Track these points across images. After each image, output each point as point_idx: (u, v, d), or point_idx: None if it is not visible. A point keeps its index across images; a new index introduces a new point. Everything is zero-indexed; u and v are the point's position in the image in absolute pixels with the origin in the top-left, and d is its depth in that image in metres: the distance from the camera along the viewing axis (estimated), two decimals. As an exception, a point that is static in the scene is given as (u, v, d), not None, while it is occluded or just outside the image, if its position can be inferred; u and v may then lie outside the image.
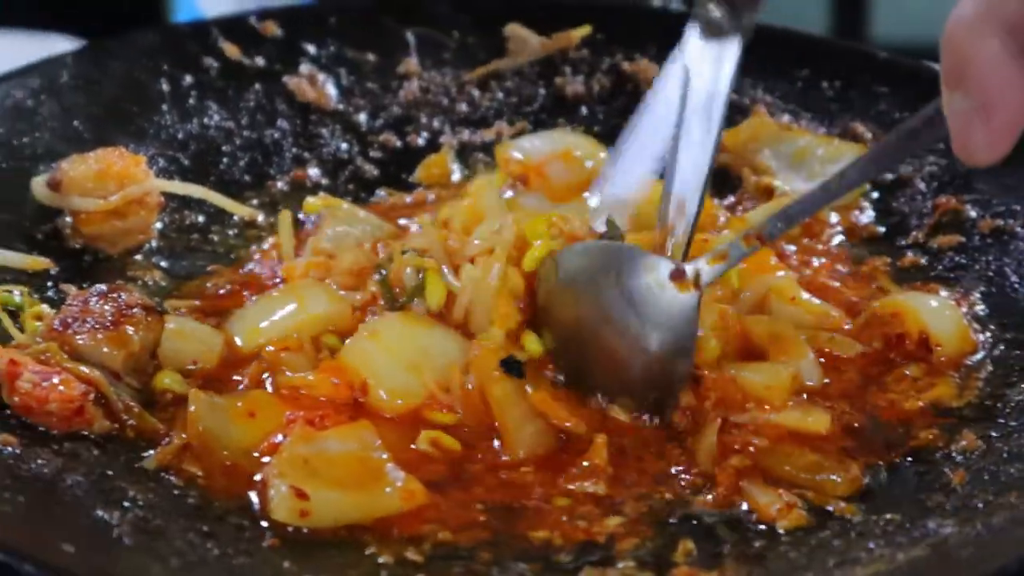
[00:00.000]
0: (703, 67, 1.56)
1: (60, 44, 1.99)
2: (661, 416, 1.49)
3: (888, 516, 1.38)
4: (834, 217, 1.83)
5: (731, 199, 1.91)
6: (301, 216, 1.80)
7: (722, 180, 1.90)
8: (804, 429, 1.49)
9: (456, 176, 1.93)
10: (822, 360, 1.59)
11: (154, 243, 1.77)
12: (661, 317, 1.47)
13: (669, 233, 1.53)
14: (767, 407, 1.50)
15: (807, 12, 4.06)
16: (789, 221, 1.50)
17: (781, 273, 1.67)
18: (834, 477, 1.43)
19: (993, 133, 1.12)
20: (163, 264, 1.75)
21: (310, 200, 1.79)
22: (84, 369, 1.47)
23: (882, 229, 1.83)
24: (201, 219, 1.83)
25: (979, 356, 1.60)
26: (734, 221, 1.72)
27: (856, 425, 1.51)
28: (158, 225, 1.78)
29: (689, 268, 1.48)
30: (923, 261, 1.76)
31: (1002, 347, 1.61)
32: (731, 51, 1.57)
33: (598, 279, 1.49)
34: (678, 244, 1.51)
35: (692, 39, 1.59)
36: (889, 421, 1.52)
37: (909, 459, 1.47)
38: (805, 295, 1.64)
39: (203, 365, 1.57)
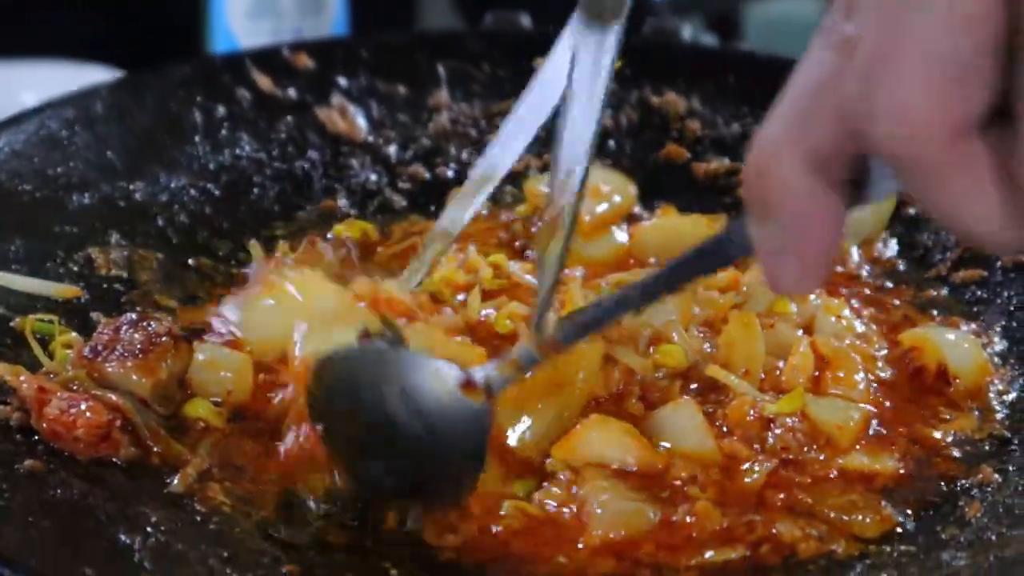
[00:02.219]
0: (587, 49, 1.54)
1: (99, 75, 2.02)
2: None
3: (902, 547, 1.38)
4: (856, 251, 1.84)
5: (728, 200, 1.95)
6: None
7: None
8: (871, 472, 1.49)
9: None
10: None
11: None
12: (451, 427, 1.39)
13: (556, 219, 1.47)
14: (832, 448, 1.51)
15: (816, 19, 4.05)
16: (584, 329, 1.40)
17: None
18: (865, 518, 1.43)
19: (805, 266, 1.04)
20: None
21: (338, 226, 1.82)
22: (112, 396, 1.49)
23: (905, 262, 1.83)
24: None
25: (998, 390, 1.60)
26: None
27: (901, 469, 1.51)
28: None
29: (479, 376, 1.41)
30: (945, 295, 1.77)
31: (1021, 381, 1.61)
32: (614, 34, 1.53)
33: (382, 389, 1.41)
34: (541, 301, 1.44)
35: (576, 21, 1.55)
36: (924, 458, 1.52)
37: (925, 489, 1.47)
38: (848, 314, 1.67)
39: (236, 396, 1.59)
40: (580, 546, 1.39)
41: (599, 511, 1.41)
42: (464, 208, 1.71)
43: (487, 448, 1.41)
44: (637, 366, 1.54)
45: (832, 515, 1.43)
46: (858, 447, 1.51)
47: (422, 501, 1.44)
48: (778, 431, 1.49)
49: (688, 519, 1.42)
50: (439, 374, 1.41)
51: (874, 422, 1.54)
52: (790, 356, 1.57)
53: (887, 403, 1.58)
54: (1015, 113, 0.94)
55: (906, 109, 0.94)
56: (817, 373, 1.58)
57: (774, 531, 1.40)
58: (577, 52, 1.53)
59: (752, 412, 1.50)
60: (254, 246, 1.79)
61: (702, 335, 1.60)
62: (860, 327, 1.66)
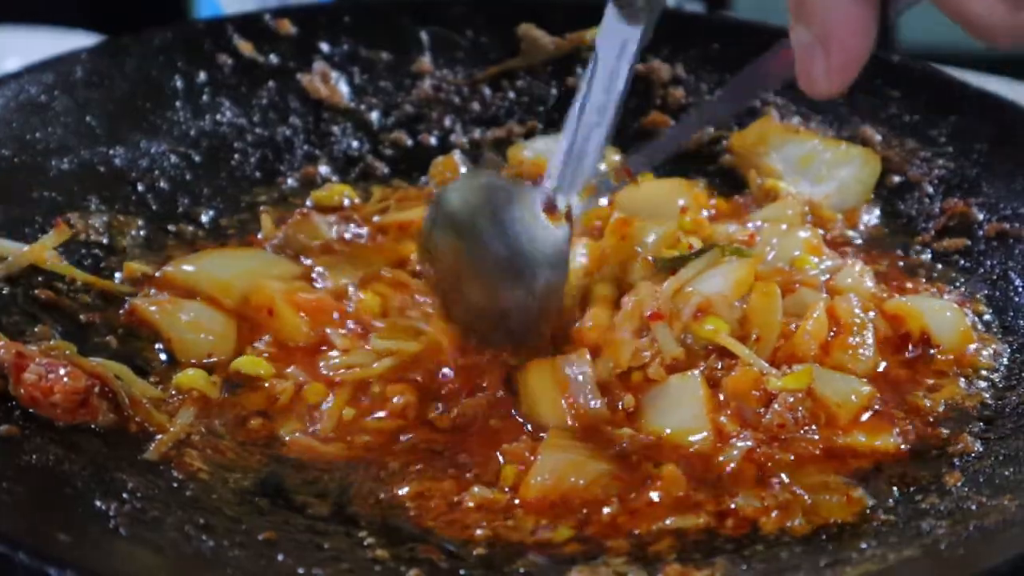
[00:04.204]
0: (611, 46, 1.57)
1: (82, 41, 2.00)
2: (523, 347, 1.52)
3: (882, 517, 1.38)
4: (840, 219, 1.84)
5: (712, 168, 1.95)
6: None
7: (729, 182, 1.91)
8: (874, 450, 1.48)
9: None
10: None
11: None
12: (534, 248, 1.48)
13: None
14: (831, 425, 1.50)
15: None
16: (653, 155, 1.53)
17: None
18: (832, 499, 1.42)
19: (832, 67, 1.17)
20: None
21: (318, 192, 1.82)
22: (93, 362, 1.49)
23: (889, 231, 1.83)
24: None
25: (981, 359, 1.60)
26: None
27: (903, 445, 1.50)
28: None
29: (561, 200, 1.49)
30: (929, 263, 1.77)
31: (1004, 350, 1.61)
32: (638, 32, 1.57)
33: (475, 214, 1.50)
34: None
35: (608, 19, 1.59)
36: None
37: (905, 459, 1.47)
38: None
39: (219, 357, 1.59)
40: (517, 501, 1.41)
41: (540, 459, 1.42)
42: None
43: (567, 271, 1.51)
44: (670, 351, 1.53)
45: (800, 492, 1.42)
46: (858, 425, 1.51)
47: (511, 328, 1.52)
48: (777, 407, 1.48)
49: (655, 483, 1.42)
50: (524, 198, 1.50)
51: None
52: (804, 320, 1.56)
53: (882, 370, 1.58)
54: None
55: None
56: (832, 334, 1.57)
57: (732, 505, 1.40)
58: (600, 46, 1.58)
59: (757, 386, 1.50)
60: (265, 215, 1.79)
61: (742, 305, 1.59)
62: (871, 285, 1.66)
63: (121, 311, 1.64)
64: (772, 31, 1.89)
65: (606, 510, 1.39)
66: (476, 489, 1.42)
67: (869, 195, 1.87)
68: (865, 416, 1.51)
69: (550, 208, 1.49)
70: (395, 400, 1.52)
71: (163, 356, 1.60)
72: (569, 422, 1.49)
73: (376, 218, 1.82)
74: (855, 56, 1.17)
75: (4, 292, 1.60)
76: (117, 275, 1.70)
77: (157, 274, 1.68)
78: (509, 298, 1.49)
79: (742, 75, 1.35)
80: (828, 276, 1.65)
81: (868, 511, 1.39)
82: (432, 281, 1.55)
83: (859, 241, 1.81)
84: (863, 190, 1.87)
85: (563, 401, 1.49)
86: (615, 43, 1.57)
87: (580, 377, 1.50)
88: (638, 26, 1.56)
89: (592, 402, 1.49)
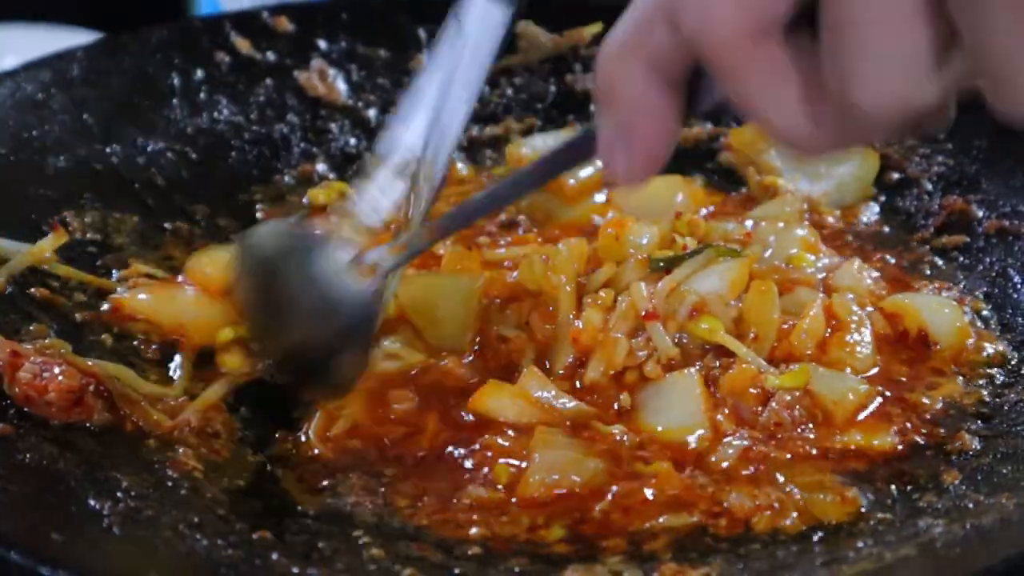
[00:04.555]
0: (474, 29, 1.56)
1: (80, 39, 2.00)
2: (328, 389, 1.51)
3: (879, 515, 1.37)
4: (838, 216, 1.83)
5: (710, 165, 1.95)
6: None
7: (727, 179, 1.90)
8: (871, 449, 1.47)
9: (463, 171, 1.93)
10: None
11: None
12: (340, 303, 1.44)
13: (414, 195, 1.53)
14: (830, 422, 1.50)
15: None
16: (466, 219, 1.47)
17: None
18: (826, 498, 1.41)
19: (633, 156, 1.12)
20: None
21: (314, 190, 1.82)
22: (88, 362, 1.49)
23: (887, 228, 1.82)
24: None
25: (979, 356, 1.59)
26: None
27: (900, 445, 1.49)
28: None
29: (370, 256, 1.45)
30: (927, 260, 1.76)
31: (1003, 347, 1.60)
32: (503, 16, 1.56)
33: (282, 263, 1.46)
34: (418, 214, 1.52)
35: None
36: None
37: (902, 457, 1.46)
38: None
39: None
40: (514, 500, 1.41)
41: (537, 457, 1.42)
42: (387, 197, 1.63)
43: (374, 329, 1.48)
44: (666, 350, 1.53)
45: (793, 492, 1.41)
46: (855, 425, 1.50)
47: (314, 382, 1.49)
48: (774, 405, 1.48)
49: (650, 481, 1.42)
50: (332, 252, 1.45)
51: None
52: (801, 318, 1.55)
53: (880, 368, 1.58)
54: (821, 22, 0.99)
55: (709, 6, 1.00)
56: (829, 332, 1.57)
57: (725, 504, 1.39)
58: (469, 23, 1.56)
59: (754, 384, 1.49)
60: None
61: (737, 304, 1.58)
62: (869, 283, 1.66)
63: (104, 306, 1.63)
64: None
65: (599, 507, 1.39)
66: (471, 488, 1.41)
67: (868, 192, 1.86)
68: (863, 415, 1.51)
69: (357, 263, 1.44)
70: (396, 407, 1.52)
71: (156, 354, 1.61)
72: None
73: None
74: (655, 152, 1.12)
75: (-2, 291, 1.60)
76: (114, 273, 1.70)
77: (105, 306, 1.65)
78: (311, 347, 1.46)
79: (549, 156, 1.30)
80: (825, 274, 1.65)
81: (863, 510, 1.39)
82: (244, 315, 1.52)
83: (858, 238, 1.80)
84: (862, 187, 1.87)
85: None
86: (486, 22, 1.56)
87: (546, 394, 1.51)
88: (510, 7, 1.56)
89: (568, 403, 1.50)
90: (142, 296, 1.63)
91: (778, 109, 1.03)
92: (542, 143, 1.88)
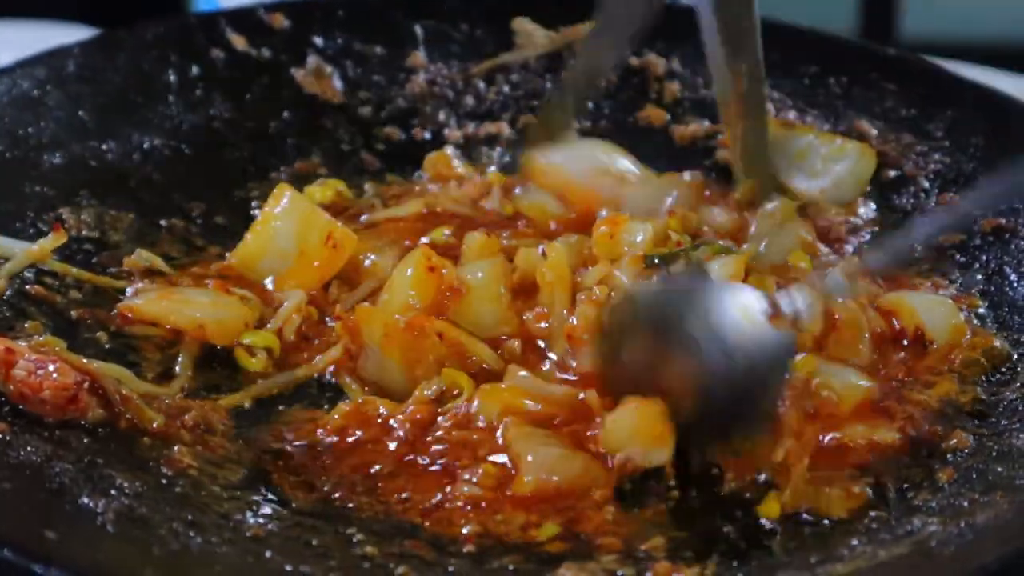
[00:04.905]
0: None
1: (76, 35, 2.00)
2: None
3: (873, 513, 1.37)
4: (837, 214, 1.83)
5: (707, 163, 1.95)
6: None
7: (724, 177, 1.90)
8: (872, 443, 1.47)
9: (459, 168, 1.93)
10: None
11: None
12: (755, 356, 1.42)
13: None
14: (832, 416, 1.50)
15: (835, 11, 4.04)
16: (895, 256, 1.51)
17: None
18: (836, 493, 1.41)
19: None
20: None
21: (311, 187, 1.82)
22: (84, 359, 1.49)
23: (884, 226, 1.82)
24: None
25: (975, 354, 1.59)
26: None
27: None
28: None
29: (785, 303, 1.44)
30: (925, 258, 1.76)
31: (999, 345, 1.60)
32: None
33: (686, 318, 1.43)
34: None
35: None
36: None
37: (897, 455, 1.46)
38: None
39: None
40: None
41: (530, 457, 1.42)
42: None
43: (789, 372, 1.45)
44: None
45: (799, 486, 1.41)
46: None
47: (723, 432, 1.45)
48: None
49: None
50: (746, 304, 1.44)
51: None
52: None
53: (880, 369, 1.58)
54: None
55: None
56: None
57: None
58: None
59: None
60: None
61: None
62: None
63: (113, 311, 1.62)
64: (767, 25, 1.88)
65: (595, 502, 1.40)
66: (466, 489, 1.41)
67: (864, 189, 1.86)
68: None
69: (775, 316, 1.43)
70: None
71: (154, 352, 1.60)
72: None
73: (364, 217, 1.82)
74: None
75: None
76: (110, 270, 1.70)
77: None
78: (719, 402, 1.42)
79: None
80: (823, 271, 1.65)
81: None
82: (610, 375, 1.48)
83: (855, 235, 1.80)
84: (859, 185, 1.86)
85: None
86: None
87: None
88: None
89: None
90: (155, 300, 1.62)
91: None
92: (562, 159, 1.86)
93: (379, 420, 1.49)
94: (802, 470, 1.41)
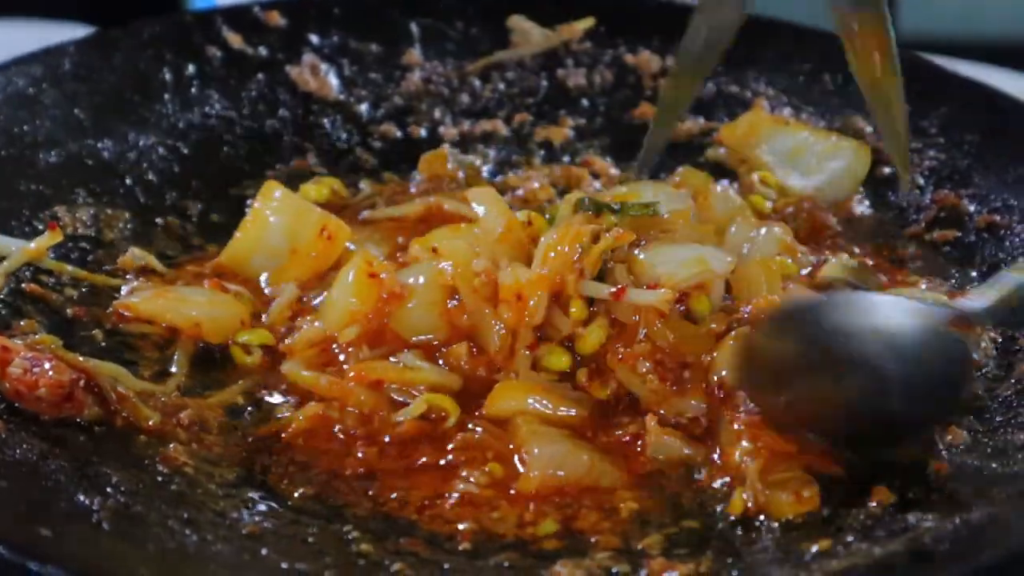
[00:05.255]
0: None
1: (73, 34, 2.00)
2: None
3: (869, 508, 1.37)
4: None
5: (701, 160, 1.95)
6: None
7: (718, 175, 1.90)
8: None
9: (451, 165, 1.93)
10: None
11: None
12: (934, 362, 1.40)
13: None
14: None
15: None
16: None
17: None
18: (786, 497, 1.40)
19: None
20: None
21: (306, 185, 1.83)
22: (80, 358, 1.49)
23: (879, 222, 1.82)
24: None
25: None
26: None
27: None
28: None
29: (967, 309, 1.42)
30: (919, 255, 1.76)
31: (993, 342, 1.60)
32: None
33: (860, 333, 1.41)
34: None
35: None
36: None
37: (893, 451, 1.46)
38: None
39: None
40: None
41: (536, 451, 1.43)
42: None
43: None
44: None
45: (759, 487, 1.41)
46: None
47: (897, 440, 1.44)
48: None
49: None
50: (922, 313, 1.41)
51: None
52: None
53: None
54: None
55: None
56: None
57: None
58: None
59: None
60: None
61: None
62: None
63: (109, 310, 1.63)
64: (764, 23, 1.88)
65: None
66: (462, 486, 1.41)
67: (858, 188, 1.86)
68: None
69: (957, 320, 1.41)
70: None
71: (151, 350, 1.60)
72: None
73: (364, 213, 1.81)
74: None
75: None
76: (105, 268, 1.70)
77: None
78: (896, 417, 1.41)
79: None
80: (811, 269, 1.65)
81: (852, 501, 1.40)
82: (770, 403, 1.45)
83: (850, 232, 1.80)
84: (853, 182, 1.86)
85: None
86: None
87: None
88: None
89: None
90: (151, 299, 1.63)
91: None
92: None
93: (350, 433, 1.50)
94: (755, 472, 1.41)
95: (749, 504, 1.39)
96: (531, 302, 1.50)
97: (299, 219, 1.68)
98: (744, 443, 1.43)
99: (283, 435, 1.48)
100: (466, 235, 1.59)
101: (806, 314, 1.45)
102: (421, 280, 1.56)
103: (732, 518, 1.39)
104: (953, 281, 1.70)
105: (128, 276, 1.69)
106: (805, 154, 1.85)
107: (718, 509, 1.40)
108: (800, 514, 1.38)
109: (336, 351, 1.55)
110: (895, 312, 1.42)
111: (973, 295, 1.43)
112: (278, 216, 1.68)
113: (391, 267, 1.58)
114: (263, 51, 2.00)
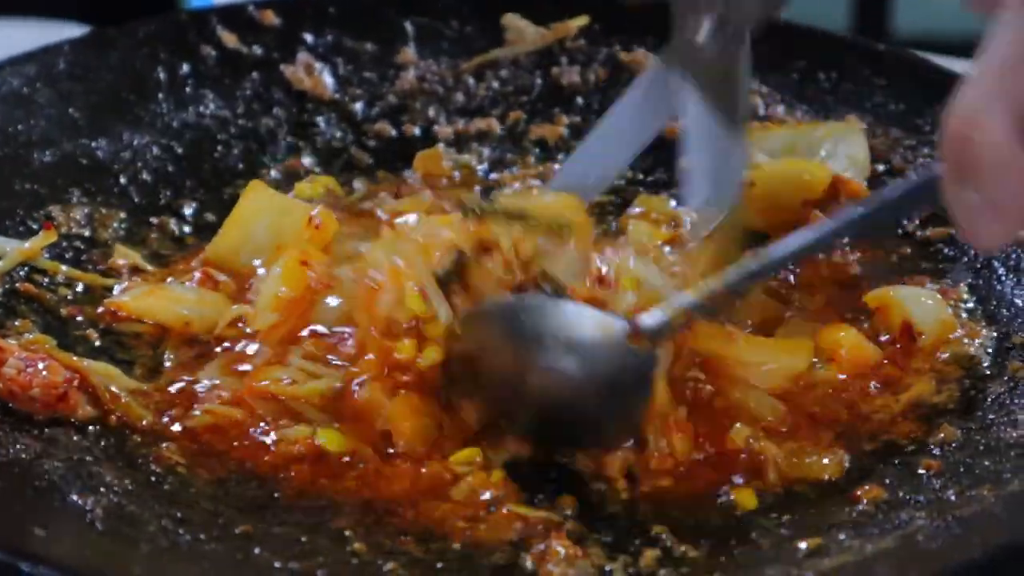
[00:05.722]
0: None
1: (68, 33, 2.00)
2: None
3: (860, 507, 1.38)
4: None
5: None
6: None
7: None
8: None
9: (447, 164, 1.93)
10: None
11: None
12: (617, 376, 1.42)
13: None
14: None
15: (828, 8, 4.04)
16: (754, 276, 1.44)
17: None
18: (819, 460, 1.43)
19: (1005, 226, 1.06)
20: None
21: (301, 184, 1.83)
22: (73, 357, 1.49)
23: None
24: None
25: (963, 348, 1.59)
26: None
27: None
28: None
29: (647, 324, 1.42)
30: (912, 253, 1.76)
31: (986, 339, 1.60)
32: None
33: (543, 339, 1.43)
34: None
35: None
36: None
37: (885, 450, 1.47)
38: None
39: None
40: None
41: None
42: None
43: (651, 388, 1.43)
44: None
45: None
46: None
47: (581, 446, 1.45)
48: None
49: None
50: (604, 325, 1.43)
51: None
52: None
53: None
54: None
55: None
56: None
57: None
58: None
59: None
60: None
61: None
62: None
63: (100, 308, 1.63)
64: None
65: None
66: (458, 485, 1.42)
67: (867, 173, 1.85)
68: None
69: (635, 335, 1.42)
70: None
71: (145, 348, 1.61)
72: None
73: (380, 211, 1.82)
74: None
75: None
76: (100, 268, 1.71)
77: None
78: (582, 419, 1.43)
79: (882, 204, 1.28)
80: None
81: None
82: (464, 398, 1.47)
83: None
84: (862, 171, 1.85)
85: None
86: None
87: None
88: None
89: None
90: (141, 297, 1.63)
91: None
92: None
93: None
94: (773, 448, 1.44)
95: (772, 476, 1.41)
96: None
97: (283, 215, 1.68)
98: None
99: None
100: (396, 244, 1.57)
101: (497, 316, 1.47)
102: (351, 273, 1.56)
103: (724, 515, 1.39)
104: (946, 278, 1.70)
105: (123, 275, 1.69)
106: (798, 150, 1.84)
107: (719, 503, 1.41)
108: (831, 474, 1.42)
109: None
110: (580, 320, 1.44)
111: (652, 312, 1.43)
112: (261, 216, 1.69)
113: (326, 259, 1.59)
114: (258, 50, 2.00)
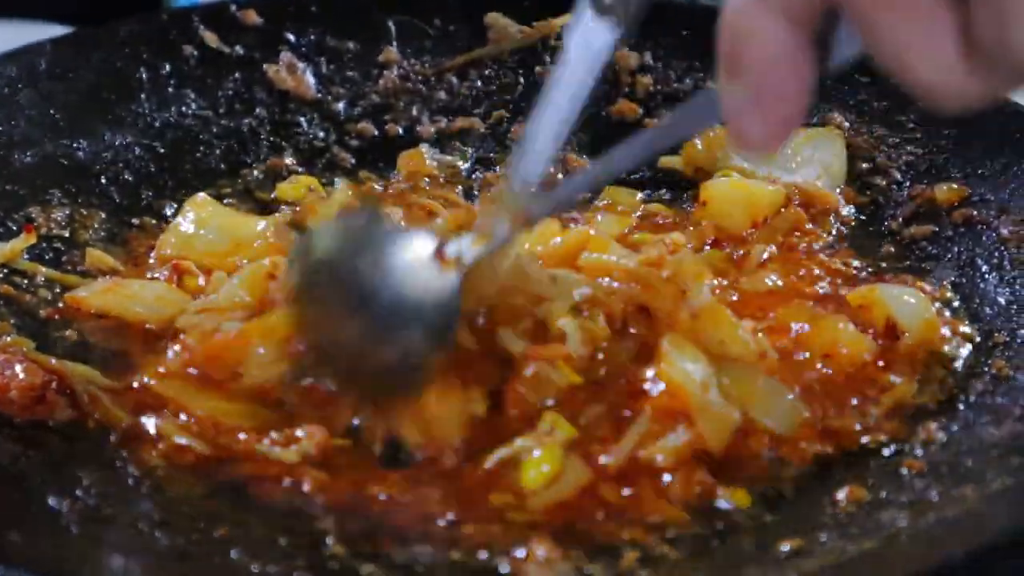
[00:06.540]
0: (583, 49, 1.51)
1: (50, 33, 1.99)
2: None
3: (843, 508, 1.37)
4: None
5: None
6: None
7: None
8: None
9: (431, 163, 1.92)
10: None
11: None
12: (421, 296, 1.40)
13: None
14: None
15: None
16: (557, 202, 1.42)
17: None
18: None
19: (769, 124, 1.06)
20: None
21: (283, 185, 1.82)
22: (52, 360, 1.49)
23: (855, 218, 1.82)
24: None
25: (946, 346, 1.59)
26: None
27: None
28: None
29: (452, 247, 1.41)
30: (895, 251, 1.76)
31: (970, 337, 1.60)
32: (607, 39, 1.48)
33: (357, 257, 1.43)
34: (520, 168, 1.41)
35: (582, 19, 1.49)
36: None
37: (867, 450, 1.46)
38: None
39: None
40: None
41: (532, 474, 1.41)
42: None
43: (455, 325, 1.42)
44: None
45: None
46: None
47: (384, 385, 1.43)
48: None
49: None
50: (413, 243, 1.42)
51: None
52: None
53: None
54: None
55: None
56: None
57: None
58: (572, 46, 1.49)
59: None
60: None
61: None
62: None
63: (60, 304, 1.63)
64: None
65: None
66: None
67: (839, 183, 1.85)
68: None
69: (440, 253, 1.41)
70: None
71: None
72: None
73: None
74: (793, 115, 1.06)
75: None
76: (80, 269, 1.70)
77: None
78: (392, 345, 1.41)
79: (667, 123, 1.28)
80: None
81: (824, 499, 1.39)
82: (296, 325, 1.48)
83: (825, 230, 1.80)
84: (841, 166, 1.85)
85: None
86: (588, 47, 1.49)
87: None
88: (615, 31, 1.48)
89: None
90: (100, 293, 1.62)
91: (927, 58, 0.98)
92: None
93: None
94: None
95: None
96: None
97: (231, 220, 1.72)
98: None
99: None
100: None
101: (321, 239, 1.49)
102: None
103: (705, 516, 1.38)
104: (930, 276, 1.70)
105: (102, 277, 1.68)
106: (780, 152, 1.83)
107: (716, 503, 1.40)
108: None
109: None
110: (394, 241, 1.43)
111: (462, 241, 1.42)
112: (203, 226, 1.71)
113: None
114: (239, 49, 1.99)
